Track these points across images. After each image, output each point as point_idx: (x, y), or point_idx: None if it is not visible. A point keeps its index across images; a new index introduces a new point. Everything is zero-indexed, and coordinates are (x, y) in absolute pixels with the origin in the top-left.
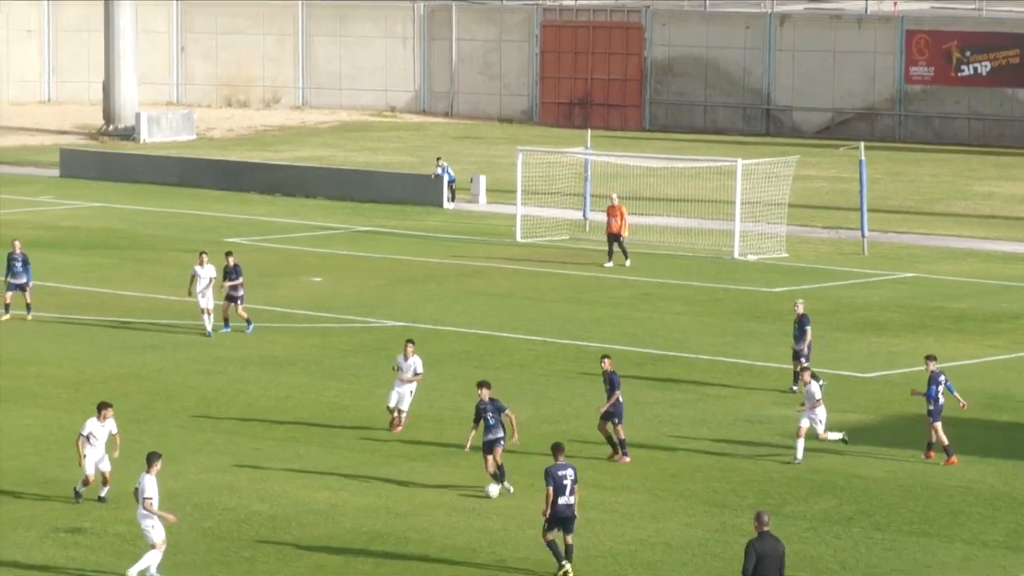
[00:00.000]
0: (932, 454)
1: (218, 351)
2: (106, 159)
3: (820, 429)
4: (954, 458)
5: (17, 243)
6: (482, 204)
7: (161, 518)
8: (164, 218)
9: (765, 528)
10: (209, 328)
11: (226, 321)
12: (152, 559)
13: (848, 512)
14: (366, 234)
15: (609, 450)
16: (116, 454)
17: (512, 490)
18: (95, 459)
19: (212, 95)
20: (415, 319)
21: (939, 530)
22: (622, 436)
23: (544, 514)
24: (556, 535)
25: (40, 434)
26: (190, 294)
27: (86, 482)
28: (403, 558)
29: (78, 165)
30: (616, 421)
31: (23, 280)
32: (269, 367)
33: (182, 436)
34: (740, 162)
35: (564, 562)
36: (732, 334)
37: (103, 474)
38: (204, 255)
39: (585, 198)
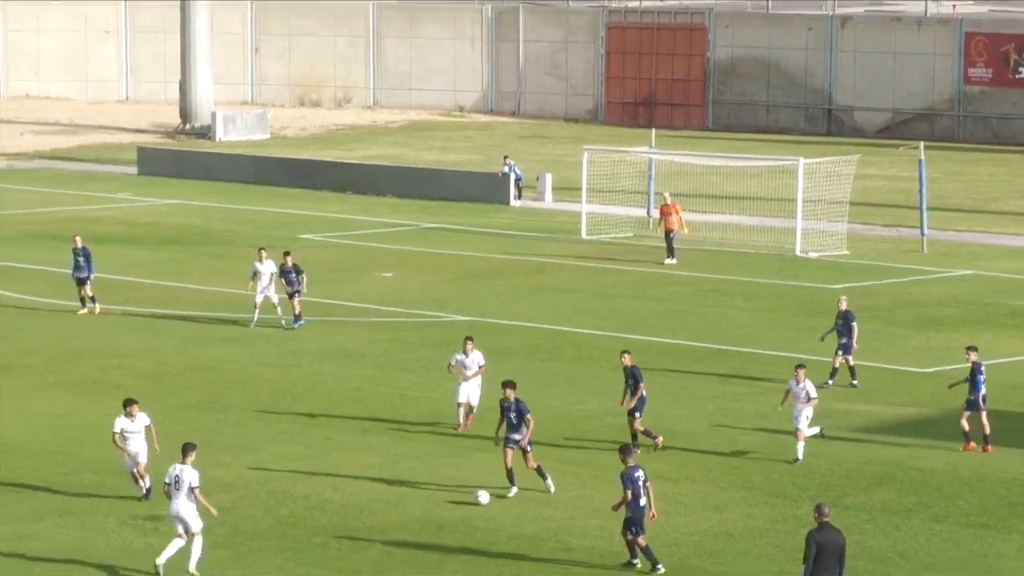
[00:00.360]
0: (990, 448)
1: (292, 344)
2: (183, 157)
3: (803, 425)
4: (972, 444)
5: (78, 238)
6: (548, 202)
7: (206, 508)
8: (239, 215)
9: (825, 519)
10: (283, 319)
11: (296, 316)
12: (200, 545)
13: (907, 504)
14: (435, 231)
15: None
16: (156, 447)
17: (553, 489)
18: (133, 454)
19: (285, 95)
20: (483, 314)
21: (996, 521)
22: (641, 429)
23: (615, 508)
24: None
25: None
26: (249, 289)
27: (135, 477)
28: (471, 546)
29: (156, 163)
30: (636, 415)
31: (85, 274)
32: (342, 360)
33: (257, 426)
34: (802, 161)
35: (660, 565)
36: (793, 329)
37: (138, 467)
38: (263, 251)
39: (649, 196)
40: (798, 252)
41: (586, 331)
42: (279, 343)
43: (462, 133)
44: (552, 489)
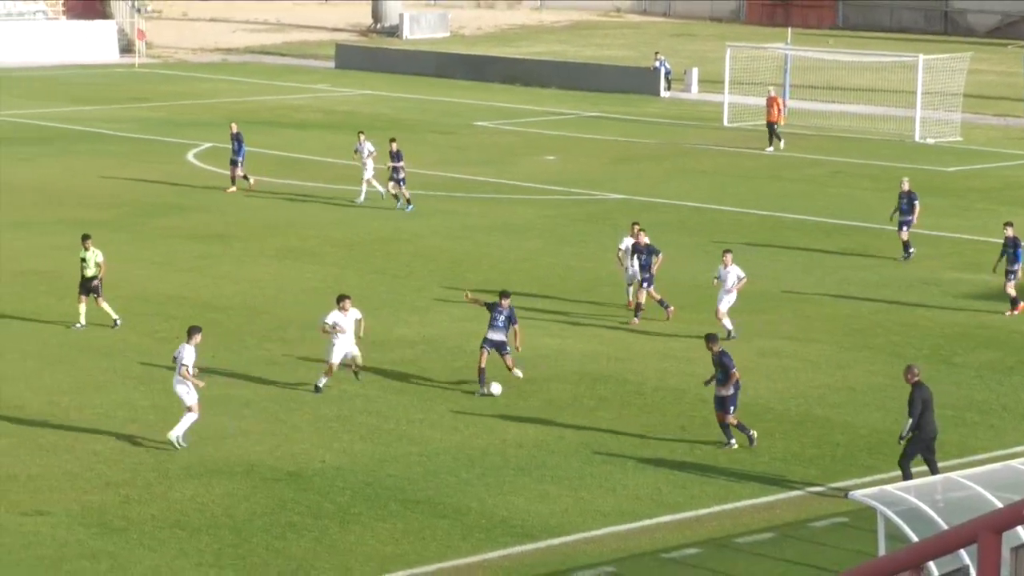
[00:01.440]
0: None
1: (466, 219)
2: (374, 53)
3: (723, 307)
4: (1021, 305)
5: (234, 125)
6: (694, 93)
7: (194, 384)
8: (422, 104)
9: (917, 378)
10: (362, 197)
11: (396, 198)
12: (188, 420)
13: (1010, 363)
14: (593, 119)
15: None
16: (361, 334)
17: (497, 393)
18: (343, 349)
19: None
20: (635, 193)
21: None
22: (642, 300)
23: (707, 383)
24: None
25: (318, 286)
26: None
27: (329, 372)
28: (623, 396)
29: (350, 58)
30: (646, 286)
31: (238, 157)
32: (510, 233)
33: (436, 291)
34: (921, 57)
35: (752, 432)
36: None
37: (354, 358)
38: (362, 134)
39: (784, 88)
40: (917, 138)
41: (724, 208)
42: (455, 218)
43: (618, 32)
44: (495, 394)
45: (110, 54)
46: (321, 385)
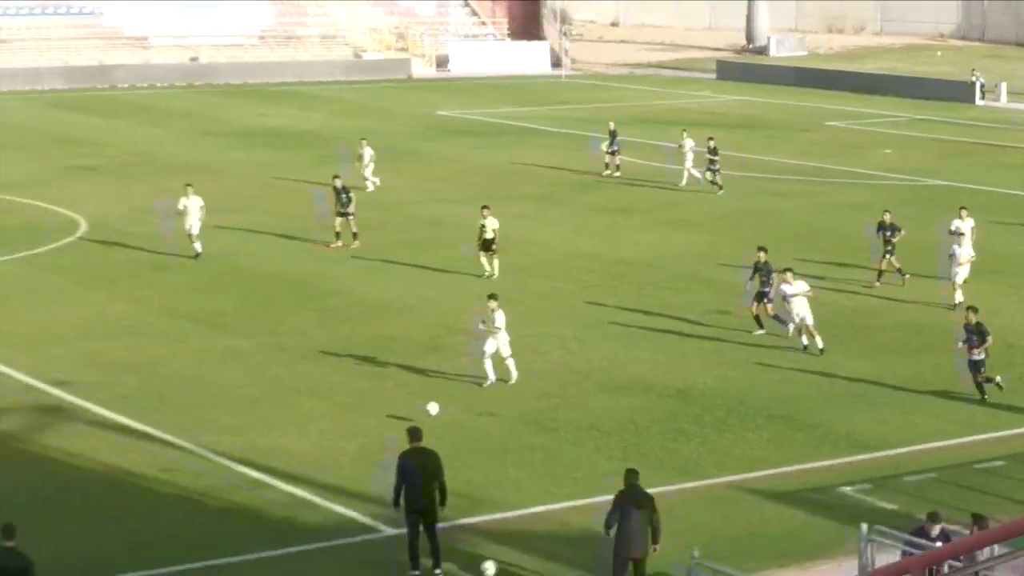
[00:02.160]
0: None
1: (820, 199)
2: (746, 67)
3: (809, 320)
4: None
5: (611, 123)
6: (1003, 102)
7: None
8: (783, 108)
9: None
10: (684, 182)
11: (713, 184)
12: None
13: None
14: (922, 121)
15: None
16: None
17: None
18: (799, 312)
19: (818, 24)
20: (956, 181)
21: None
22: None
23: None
24: None
25: (701, 251)
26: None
27: (798, 333)
28: (944, 343)
29: (727, 71)
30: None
31: (614, 148)
32: (854, 211)
33: (789, 259)
34: None
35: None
36: None
37: (805, 325)
38: (685, 132)
39: None
40: None
41: None
42: (811, 198)
43: (942, 53)
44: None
45: (543, 67)
46: (805, 342)
